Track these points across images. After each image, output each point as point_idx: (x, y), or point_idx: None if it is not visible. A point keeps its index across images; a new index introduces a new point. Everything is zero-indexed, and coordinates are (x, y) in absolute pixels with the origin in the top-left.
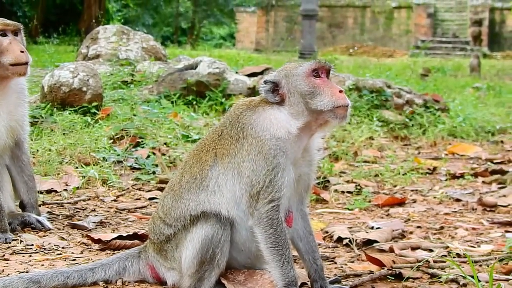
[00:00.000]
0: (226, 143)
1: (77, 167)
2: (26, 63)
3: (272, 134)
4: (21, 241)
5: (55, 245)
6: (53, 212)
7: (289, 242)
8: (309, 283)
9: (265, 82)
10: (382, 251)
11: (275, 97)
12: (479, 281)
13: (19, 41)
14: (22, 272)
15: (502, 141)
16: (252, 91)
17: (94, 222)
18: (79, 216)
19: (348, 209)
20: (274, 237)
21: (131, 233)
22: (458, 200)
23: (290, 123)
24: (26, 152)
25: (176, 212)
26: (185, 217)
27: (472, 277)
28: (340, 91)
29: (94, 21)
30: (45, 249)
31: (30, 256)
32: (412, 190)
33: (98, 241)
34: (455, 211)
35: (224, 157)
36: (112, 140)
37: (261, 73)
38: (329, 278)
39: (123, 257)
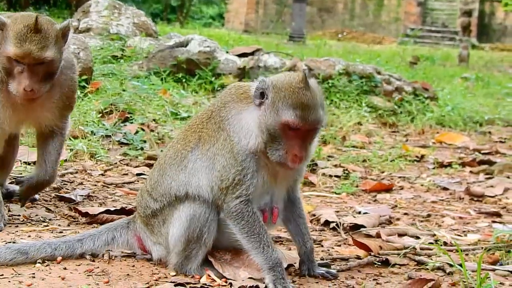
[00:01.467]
0: (209, 129)
1: None
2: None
3: (241, 139)
4: (9, 210)
5: (42, 217)
6: None
7: (265, 227)
8: (296, 264)
9: (262, 81)
10: (369, 236)
11: (257, 100)
12: (466, 270)
13: (31, 74)
14: (9, 242)
15: (490, 132)
16: (242, 71)
17: (82, 196)
18: (66, 188)
19: (336, 193)
20: (248, 228)
21: (118, 208)
22: (445, 188)
23: (256, 138)
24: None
25: (162, 187)
26: (170, 194)
27: (460, 265)
28: (296, 155)
29: None
30: (32, 220)
31: (17, 226)
32: (400, 177)
33: (85, 214)
34: (442, 200)
35: (206, 143)
36: (101, 114)
37: (252, 53)
38: (318, 261)
39: (112, 228)
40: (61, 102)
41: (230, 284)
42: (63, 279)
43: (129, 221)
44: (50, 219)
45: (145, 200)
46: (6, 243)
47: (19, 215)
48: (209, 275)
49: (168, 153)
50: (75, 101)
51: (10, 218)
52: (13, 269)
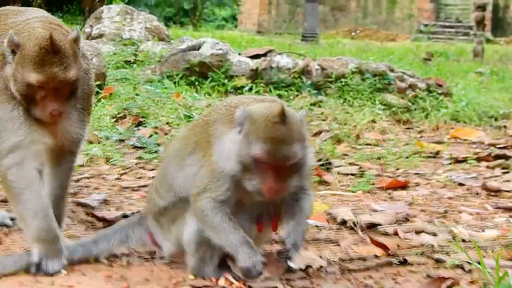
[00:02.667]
0: (203, 139)
1: None
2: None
3: (220, 161)
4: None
5: None
6: None
7: (236, 227)
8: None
9: (241, 111)
10: (386, 234)
11: (239, 127)
12: (485, 267)
13: (56, 96)
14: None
15: (505, 126)
16: (255, 73)
17: (98, 200)
18: (82, 194)
19: (351, 191)
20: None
21: (135, 211)
22: (461, 184)
23: (235, 164)
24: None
25: (166, 184)
26: (174, 192)
27: (478, 262)
28: (271, 188)
29: (97, 0)
30: None
31: None
32: (415, 174)
33: (102, 219)
34: (459, 195)
35: (200, 151)
36: (114, 119)
37: (264, 55)
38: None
39: (125, 226)
40: (78, 108)
41: (249, 286)
42: (82, 285)
43: (141, 217)
44: (67, 224)
45: (153, 197)
46: (25, 250)
47: None
48: (227, 278)
49: (172, 149)
50: (92, 105)
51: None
52: (33, 276)
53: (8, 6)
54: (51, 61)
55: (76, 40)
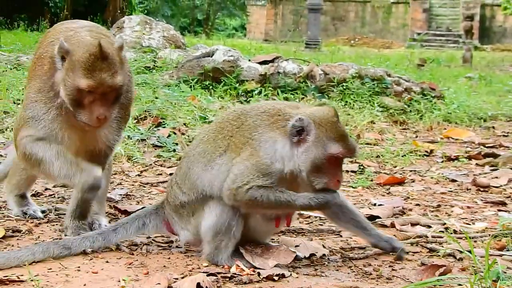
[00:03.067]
0: (238, 140)
1: None
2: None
3: (274, 163)
4: (55, 209)
5: None
6: None
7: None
8: (318, 253)
9: (299, 120)
10: (384, 226)
11: (295, 137)
12: (475, 255)
13: (103, 101)
14: (56, 238)
15: (493, 127)
16: (263, 77)
17: (120, 195)
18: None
19: (352, 187)
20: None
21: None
22: (453, 180)
23: (288, 162)
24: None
25: (189, 182)
26: (197, 190)
27: (469, 252)
28: (339, 181)
29: (119, 11)
30: None
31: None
32: (411, 171)
33: (124, 212)
34: (451, 191)
35: (232, 152)
36: (136, 120)
37: (272, 61)
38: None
39: (142, 215)
40: (117, 116)
41: (258, 273)
42: (106, 271)
43: (157, 207)
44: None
45: (174, 192)
46: (53, 239)
47: (64, 214)
48: (238, 265)
49: (197, 149)
50: (130, 114)
51: (57, 216)
52: (60, 263)
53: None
54: (100, 67)
55: (121, 48)
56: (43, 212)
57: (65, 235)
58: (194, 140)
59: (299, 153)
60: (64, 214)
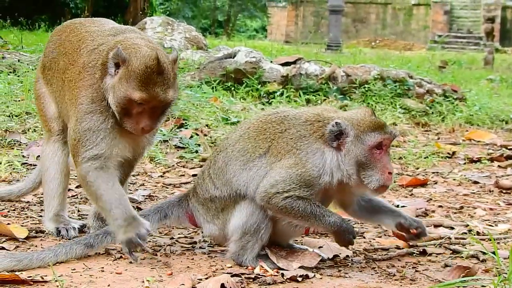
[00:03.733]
0: (280, 146)
1: None
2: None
3: (322, 175)
4: (78, 210)
5: None
6: None
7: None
8: (342, 254)
9: (336, 124)
10: None
11: (334, 142)
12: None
13: (152, 114)
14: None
15: None
16: (285, 79)
17: (143, 196)
18: (129, 190)
19: None
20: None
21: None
22: (476, 182)
23: (336, 172)
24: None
25: (224, 177)
26: (231, 187)
27: (493, 253)
28: (390, 173)
29: (141, 12)
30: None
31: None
32: (433, 172)
33: None
34: (474, 193)
35: (272, 156)
36: None
37: (294, 62)
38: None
39: (164, 206)
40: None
41: (282, 274)
42: (129, 272)
43: (180, 198)
44: None
45: (206, 184)
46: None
47: (87, 214)
48: (262, 266)
49: (237, 146)
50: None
51: (80, 217)
52: (84, 263)
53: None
54: (155, 81)
55: (175, 61)
56: (82, 226)
57: None
58: (232, 135)
59: (343, 157)
60: (87, 215)
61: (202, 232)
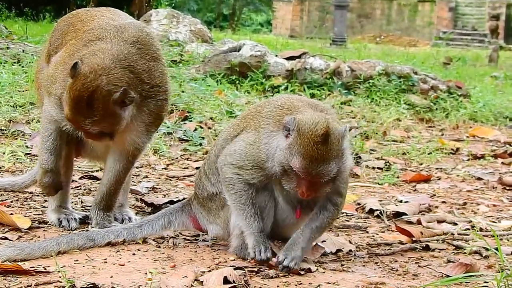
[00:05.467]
0: (252, 123)
1: None
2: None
3: (269, 159)
4: (81, 202)
5: None
6: None
7: (252, 201)
8: (344, 249)
9: (291, 120)
10: (410, 223)
11: (286, 131)
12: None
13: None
14: (82, 230)
15: None
16: (290, 73)
17: (147, 188)
18: (133, 182)
19: (378, 183)
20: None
21: (180, 198)
22: (479, 178)
23: (276, 157)
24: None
25: (217, 171)
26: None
27: (496, 249)
28: (303, 192)
29: (146, 4)
30: None
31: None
32: (437, 168)
33: (151, 204)
34: (477, 189)
35: (244, 131)
36: None
37: (299, 57)
38: None
39: (168, 212)
40: (148, 118)
41: (283, 267)
42: (132, 263)
43: (183, 204)
44: None
45: (203, 183)
46: (80, 230)
47: (90, 206)
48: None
49: (223, 135)
50: (163, 117)
51: (83, 208)
52: (86, 255)
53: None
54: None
55: (117, 101)
56: (84, 217)
57: (91, 227)
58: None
59: (284, 147)
60: (90, 206)
61: (207, 234)
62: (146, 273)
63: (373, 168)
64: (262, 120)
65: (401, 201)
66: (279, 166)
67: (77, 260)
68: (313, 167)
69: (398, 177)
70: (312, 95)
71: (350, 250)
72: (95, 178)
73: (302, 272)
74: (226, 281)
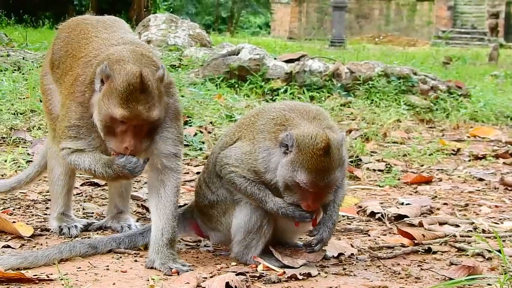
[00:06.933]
0: (246, 133)
1: None
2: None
3: (266, 169)
4: (83, 209)
5: None
6: None
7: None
8: (346, 253)
9: (288, 136)
10: (412, 225)
11: (283, 147)
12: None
13: (135, 133)
14: (84, 237)
15: None
16: (289, 76)
17: (148, 193)
18: (133, 187)
19: (379, 186)
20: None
21: (181, 204)
22: (481, 179)
23: (277, 172)
24: None
25: (218, 178)
26: (226, 189)
27: (498, 251)
28: (309, 206)
29: (144, 9)
30: (103, 217)
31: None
32: (438, 170)
33: None
34: (479, 190)
35: (239, 140)
36: None
37: (298, 59)
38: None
39: None
40: (166, 127)
41: (284, 272)
42: (134, 270)
43: (184, 211)
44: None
45: (203, 191)
46: (81, 238)
47: (92, 213)
48: (265, 264)
49: (219, 144)
50: (181, 126)
51: (85, 215)
52: (89, 262)
53: (90, 16)
54: (137, 99)
55: (162, 79)
56: (86, 225)
57: (154, 267)
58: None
59: (284, 164)
60: (92, 213)
61: (209, 240)
62: (148, 280)
63: (374, 170)
64: (256, 133)
65: (402, 204)
66: (282, 182)
67: (79, 268)
68: (320, 180)
69: (399, 179)
70: (312, 98)
71: (352, 254)
72: (96, 185)
73: (301, 277)
74: (228, 286)
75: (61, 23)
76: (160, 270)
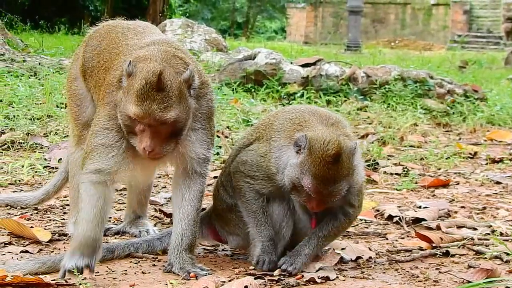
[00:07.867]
0: (264, 133)
1: None
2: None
3: (279, 172)
4: None
5: None
6: None
7: (263, 210)
8: (364, 256)
9: (302, 138)
10: (429, 228)
11: (296, 147)
12: None
13: (153, 134)
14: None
15: None
16: (306, 80)
17: (165, 198)
18: (151, 192)
19: (397, 189)
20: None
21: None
22: (498, 182)
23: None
24: None
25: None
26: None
27: None
28: (314, 207)
29: (160, 15)
30: (121, 221)
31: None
32: (455, 173)
33: (170, 215)
34: (496, 193)
35: (257, 140)
36: None
37: (314, 63)
38: None
39: None
40: (198, 128)
41: (302, 275)
42: (153, 274)
43: (202, 216)
44: None
45: (221, 195)
46: None
47: (110, 217)
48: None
49: (236, 145)
50: (214, 126)
51: None
52: (107, 266)
53: (121, 22)
54: (153, 97)
55: (187, 81)
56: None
57: (173, 272)
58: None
59: (295, 164)
60: (110, 217)
61: (227, 245)
62: (166, 284)
63: (391, 174)
64: (273, 132)
65: (420, 207)
66: (289, 181)
67: (97, 272)
68: (323, 187)
69: (416, 183)
70: (328, 102)
71: (370, 257)
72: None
73: (319, 281)
74: None
75: (91, 28)
76: (178, 274)
